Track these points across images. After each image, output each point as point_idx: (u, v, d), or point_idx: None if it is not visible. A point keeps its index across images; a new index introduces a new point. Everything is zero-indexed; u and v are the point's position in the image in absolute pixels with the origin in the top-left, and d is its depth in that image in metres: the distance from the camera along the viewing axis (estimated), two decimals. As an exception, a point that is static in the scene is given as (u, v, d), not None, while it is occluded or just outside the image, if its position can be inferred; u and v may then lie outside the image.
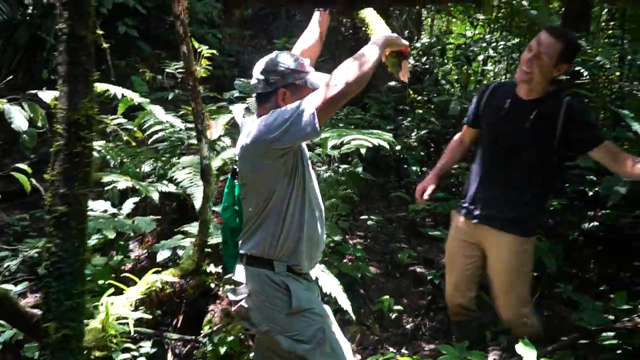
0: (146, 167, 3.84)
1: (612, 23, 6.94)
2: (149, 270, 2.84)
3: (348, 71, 1.76)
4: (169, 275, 2.81)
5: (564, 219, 4.42)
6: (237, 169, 2.06)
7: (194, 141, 4.01)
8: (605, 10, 7.29)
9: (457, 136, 2.95)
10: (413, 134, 5.89)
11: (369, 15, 2.23)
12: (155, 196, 3.37)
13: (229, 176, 2.17)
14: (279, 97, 1.91)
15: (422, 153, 5.83)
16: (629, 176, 2.35)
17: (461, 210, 2.74)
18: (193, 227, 3.21)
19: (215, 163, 3.51)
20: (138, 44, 6.29)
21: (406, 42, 2.00)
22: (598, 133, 2.45)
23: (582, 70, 4.50)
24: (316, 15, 2.36)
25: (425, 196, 2.78)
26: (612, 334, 3.04)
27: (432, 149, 6.33)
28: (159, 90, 5.64)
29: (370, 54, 1.83)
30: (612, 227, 4.52)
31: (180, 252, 3.23)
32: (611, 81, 4.66)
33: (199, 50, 2.31)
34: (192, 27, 6.87)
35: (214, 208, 3.11)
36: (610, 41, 6.21)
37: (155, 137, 4.03)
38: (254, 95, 2.12)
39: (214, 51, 2.41)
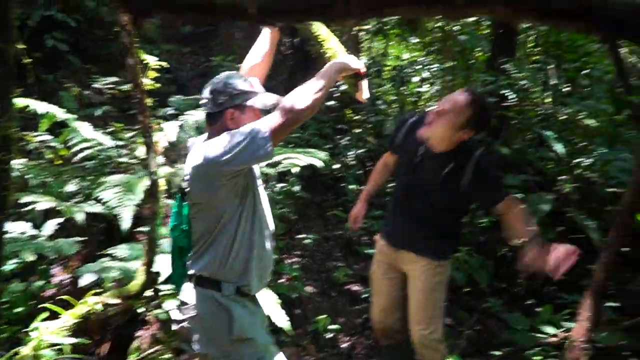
0: (72, 187, 3.65)
1: (537, 49, 7.35)
2: (73, 296, 2.69)
3: (302, 96, 1.80)
4: (112, 297, 2.67)
5: (493, 236, 4.57)
6: (187, 189, 2.02)
7: (124, 159, 3.88)
8: (532, 37, 7.72)
9: (381, 160, 2.98)
10: (351, 152, 5.96)
11: (322, 33, 2.23)
12: (80, 217, 3.21)
13: (178, 196, 2.15)
14: (227, 117, 1.92)
15: (359, 171, 5.90)
16: (515, 238, 2.35)
17: (383, 234, 2.80)
18: (120, 250, 3.08)
19: (146, 182, 3.40)
20: (67, 58, 6.05)
21: (361, 64, 2.01)
22: (498, 194, 2.44)
23: (508, 94, 4.74)
24: (264, 32, 2.33)
25: (358, 224, 2.91)
26: (538, 349, 3.17)
27: (369, 168, 6.42)
28: (89, 106, 5.43)
29: (324, 79, 1.86)
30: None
31: (109, 275, 3.08)
32: (536, 104, 4.90)
33: (145, 62, 2.22)
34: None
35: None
36: (536, 66, 6.58)
37: (82, 155, 3.86)
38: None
39: (164, 63, 2.32)
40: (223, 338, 1.93)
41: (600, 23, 1.04)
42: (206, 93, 1.97)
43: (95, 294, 2.61)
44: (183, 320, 2.01)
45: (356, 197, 5.52)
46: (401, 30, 7.54)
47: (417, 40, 7.22)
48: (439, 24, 7.33)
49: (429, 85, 6.47)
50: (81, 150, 3.82)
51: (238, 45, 8.08)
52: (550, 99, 4.67)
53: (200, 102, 2.00)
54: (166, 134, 3.62)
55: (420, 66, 6.25)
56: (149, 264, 2.80)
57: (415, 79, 6.71)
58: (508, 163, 5.37)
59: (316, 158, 3.30)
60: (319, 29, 2.27)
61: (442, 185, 2.45)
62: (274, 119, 1.79)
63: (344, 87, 2.08)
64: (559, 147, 3.88)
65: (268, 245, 2.07)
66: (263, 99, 1.98)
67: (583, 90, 6.33)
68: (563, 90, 5.04)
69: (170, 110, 4.39)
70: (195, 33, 8.57)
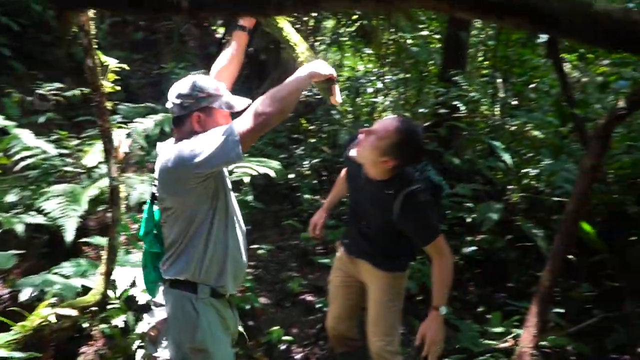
0: (12, 197, 3.47)
1: (486, 63, 7.57)
2: (14, 310, 2.54)
3: (273, 100, 1.78)
4: (67, 309, 2.52)
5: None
6: (157, 194, 2.01)
7: (69, 168, 3.72)
8: (481, 52, 7.96)
9: (343, 172, 2.97)
10: (306, 162, 5.94)
11: (293, 38, 2.23)
12: (20, 228, 3.05)
13: (148, 201, 2.12)
14: (193, 120, 1.92)
15: (314, 181, 5.89)
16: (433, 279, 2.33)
17: (342, 242, 2.80)
18: (65, 267, 2.94)
19: (92, 191, 3.27)
20: (10, 64, 5.79)
21: (332, 69, 1.98)
22: (424, 236, 2.31)
23: (459, 105, 4.85)
24: (235, 35, 2.30)
25: (317, 231, 2.86)
26: (489, 355, 3.22)
27: (324, 178, 6.43)
28: (33, 113, 5.20)
29: (296, 84, 1.86)
30: (488, 251, 4.83)
31: (51, 290, 2.92)
32: (485, 116, 5.04)
33: (105, 64, 2.12)
34: (73, 48, 6.55)
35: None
36: (485, 79, 6.77)
37: (23, 163, 3.68)
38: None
39: (125, 65, 2.22)
40: (184, 344, 1.92)
41: (537, 20, 1.06)
42: (172, 96, 1.96)
43: (51, 305, 2.46)
44: (155, 322, 1.99)
45: (311, 206, 5.55)
46: (356, 41, 7.64)
47: (372, 51, 7.32)
48: (393, 36, 7.47)
49: (383, 97, 6.55)
50: (23, 158, 3.64)
51: (190, 53, 7.97)
52: (498, 111, 4.80)
53: (167, 105, 1.98)
54: (125, 139, 3.49)
55: (375, 77, 6.32)
56: (108, 273, 2.65)
57: (370, 90, 6.79)
58: (459, 173, 5.50)
59: (269, 168, 3.25)
60: (290, 33, 2.26)
61: (376, 213, 2.41)
62: (245, 123, 1.77)
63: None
64: (507, 158, 3.99)
65: (242, 245, 2.07)
66: (230, 102, 1.97)
67: (530, 103, 6.57)
68: (511, 103, 5.18)
69: (118, 119, 4.25)
70: (146, 40, 8.38)
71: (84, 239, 3.33)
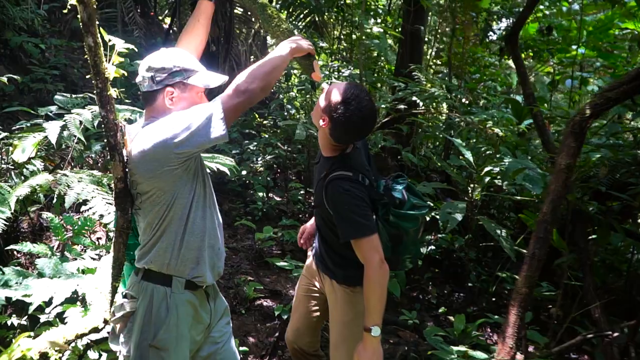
0: None
1: (438, 59, 7.52)
2: None
3: (257, 77, 1.74)
4: (60, 335, 2.10)
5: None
6: (129, 179, 1.86)
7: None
8: (433, 48, 7.91)
9: None
10: (259, 158, 5.66)
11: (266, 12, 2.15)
12: None
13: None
14: (165, 96, 1.81)
15: (268, 178, 5.62)
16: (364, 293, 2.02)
17: (312, 249, 2.53)
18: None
19: (22, 190, 2.87)
20: None
21: (311, 45, 1.96)
22: (342, 231, 2.03)
23: (418, 101, 4.70)
24: (200, 5, 2.14)
25: (302, 240, 2.57)
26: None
27: (278, 174, 6.17)
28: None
29: (279, 60, 1.82)
30: (447, 250, 4.73)
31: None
32: (442, 112, 4.91)
33: (110, 43, 1.77)
34: (8, 34, 5.97)
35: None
36: (438, 76, 6.70)
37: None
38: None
39: (131, 46, 1.89)
40: (145, 340, 1.82)
41: None
42: (142, 70, 1.83)
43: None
44: (122, 315, 1.86)
45: (265, 205, 5.29)
46: (307, 35, 7.40)
47: (325, 45, 7.10)
48: (346, 30, 7.28)
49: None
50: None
51: (136, 43, 7.50)
52: (455, 108, 4.69)
53: (137, 80, 1.84)
54: (48, 134, 3.09)
55: (328, 72, 6.09)
56: (113, 290, 2.04)
57: (325, 85, 6.57)
58: (416, 171, 5.37)
59: (223, 165, 2.96)
60: (270, 7, 2.17)
61: (315, 194, 2.17)
62: (229, 99, 1.71)
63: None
64: (469, 155, 3.86)
65: (219, 232, 1.97)
66: (206, 77, 1.86)
67: (482, 101, 6.56)
68: (467, 100, 5.09)
69: (54, 109, 3.82)
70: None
71: (13, 246, 2.93)
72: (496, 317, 3.40)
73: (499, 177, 3.76)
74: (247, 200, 5.35)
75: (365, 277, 1.97)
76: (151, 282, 1.86)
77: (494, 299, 4.39)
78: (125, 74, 1.93)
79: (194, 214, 1.84)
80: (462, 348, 3.22)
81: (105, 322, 2.11)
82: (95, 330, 2.03)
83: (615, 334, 2.60)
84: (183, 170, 1.76)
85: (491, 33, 5.92)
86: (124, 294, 1.96)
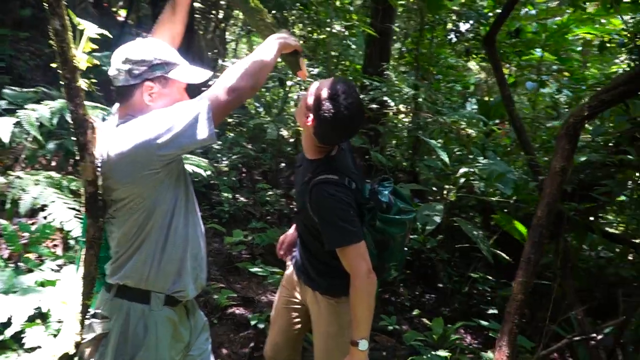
0: None
1: (404, 60, 7.48)
2: None
3: (246, 72, 1.60)
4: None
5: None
6: (101, 185, 1.67)
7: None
8: (397, 49, 7.87)
9: None
10: (225, 158, 5.42)
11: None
12: None
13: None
14: (144, 91, 1.63)
15: (234, 179, 5.39)
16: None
17: (293, 258, 2.34)
18: None
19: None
20: None
21: (298, 41, 1.85)
22: (327, 238, 1.87)
23: (389, 101, 4.60)
24: None
25: (282, 251, 2.37)
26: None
27: (244, 175, 5.94)
28: None
29: (267, 56, 1.68)
30: (417, 251, 4.66)
31: None
32: (413, 112, 4.83)
33: (80, 28, 1.52)
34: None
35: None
36: (404, 76, 6.64)
37: None
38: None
39: (104, 31, 1.65)
40: None
41: None
42: (117, 62, 1.63)
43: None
44: (92, 338, 1.65)
45: (232, 206, 5.07)
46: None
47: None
48: (308, 28, 7.11)
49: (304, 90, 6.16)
50: None
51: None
52: (428, 107, 4.62)
53: (110, 73, 1.64)
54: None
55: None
56: (84, 310, 1.78)
57: (290, 83, 6.39)
58: (384, 171, 5.27)
59: (197, 166, 2.75)
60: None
61: (298, 199, 2.02)
62: (217, 98, 1.55)
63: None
64: (444, 156, 3.79)
65: (202, 240, 1.79)
66: (189, 72, 1.69)
67: (447, 102, 6.54)
68: (435, 100, 5.04)
69: (4, 105, 3.47)
70: (36, 17, 7.34)
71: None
72: (485, 323, 3.31)
73: (473, 178, 3.69)
74: (212, 202, 5.10)
75: (352, 288, 1.83)
76: (126, 300, 1.67)
77: (462, 299, 4.35)
78: (98, 63, 1.71)
79: (176, 222, 1.67)
80: (444, 353, 3.15)
81: (78, 346, 1.87)
82: (67, 357, 1.78)
83: (600, 337, 2.56)
84: (165, 174, 1.58)
85: (455, 34, 5.89)
86: (92, 313, 1.74)
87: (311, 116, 1.87)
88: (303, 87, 5.83)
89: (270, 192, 5.27)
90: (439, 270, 4.55)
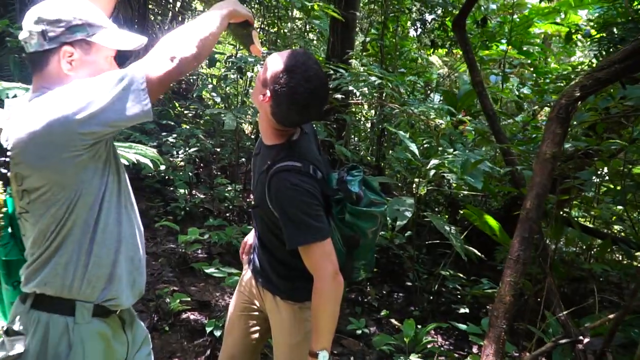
0: None
1: (366, 53, 7.23)
2: None
3: (188, 40, 1.35)
4: None
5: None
6: (10, 172, 1.39)
7: None
8: (365, 38, 7.62)
9: None
10: (180, 152, 5.02)
11: None
12: None
13: None
14: (61, 57, 1.35)
15: (190, 174, 4.99)
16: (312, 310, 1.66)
17: (249, 255, 2.05)
18: None
19: None
20: None
21: (249, 11, 1.62)
22: (289, 235, 1.62)
23: (355, 91, 4.32)
24: None
25: (245, 256, 2.09)
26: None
27: (202, 169, 5.54)
28: None
29: (213, 22, 1.44)
30: (383, 248, 4.41)
31: None
32: (378, 103, 4.57)
33: None
34: None
35: None
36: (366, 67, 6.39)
37: None
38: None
39: None
40: None
41: None
42: (29, 23, 1.35)
43: None
44: (5, 358, 1.36)
45: (188, 203, 4.68)
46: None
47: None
48: (269, 20, 6.77)
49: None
50: None
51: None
52: (395, 98, 4.36)
53: (20, 37, 1.37)
54: None
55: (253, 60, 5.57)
56: None
57: (250, 74, 6.02)
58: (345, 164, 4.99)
59: (143, 155, 2.38)
60: None
61: (258, 197, 1.74)
62: (154, 66, 1.29)
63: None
64: (414, 148, 3.53)
65: (139, 239, 1.51)
66: (118, 37, 1.41)
67: (412, 94, 6.33)
68: (402, 90, 4.79)
69: None
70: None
71: None
72: (462, 326, 3.07)
73: (443, 171, 3.45)
74: (167, 198, 4.70)
75: (315, 291, 1.60)
76: (45, 311, 1.38)
77: (432, 298, 4.12)
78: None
79: (105, 217, 1.39)
80: (416, 358, 2.90)
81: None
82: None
83: (587, 340, 2.34)
84: (90, 157, 1.30)
85: (419, 25, 5.68)
86: (4, 328, 1.46)
87: (267, 93, 1.60)
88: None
89: (229, 188, 4.90)
90: (406, 268, 4.31)
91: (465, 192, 3.76)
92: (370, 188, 1.84)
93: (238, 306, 2.03)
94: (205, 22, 1.43)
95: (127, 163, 2.19)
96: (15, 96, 2.70)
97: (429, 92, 7.27)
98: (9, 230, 1.51)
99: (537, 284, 3.07)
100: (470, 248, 3.45)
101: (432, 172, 3.58)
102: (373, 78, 4.03)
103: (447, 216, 4.39)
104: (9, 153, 1.34)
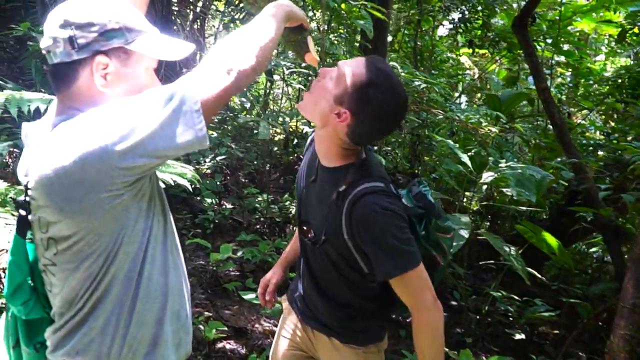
0: None
1: (396, 53, 6.88)
2: None
3: (245, 50, 1.09)
4: None
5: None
6: (32, 215, 1.10)
7: None
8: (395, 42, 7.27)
9: None
10: (207, 159, 4.73)
11: None
12: None
13: (16, 233, 1.15)
14: (95, 70, 1.07)
15: (218, 182, 4.70)
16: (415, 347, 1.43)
17: (289, 293, 1.78)
18: None
19: None
20: None
21: (304, 13, 1.37)
22: (381, 265, 1.37)
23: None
24: None
25: (268, 296, 1.80)
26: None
27: (229, 177, 5.25)
28: None
29: (270, 27, 1.18)
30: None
31: None
32: (422, 108, 4.22)
33: None
34: None
35: None
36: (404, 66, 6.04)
37: None
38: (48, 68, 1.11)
39: None
40: None
41: None
42: (53, 27, 1.06)
43: None
44: None
45: (217, 214, 4.39)
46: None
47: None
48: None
49: (297, 83, 5.50)
50: None
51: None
52: (438, 103, 4.02)
53: (42, 45, 1.08)
54: None
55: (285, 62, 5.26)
56: None
57: (276, 77, 5.71)
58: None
59: (180, 176, 2.08)
60: None
61: (322, 225, 1.48)
62: (209, 82, 1.03)
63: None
64: (466, 159, 3.19)
65: (185, 288, 1.25)
66: (161, 44, 1.13)
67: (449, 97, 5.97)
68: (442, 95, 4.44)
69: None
70: (2, 9, 6.54)
71: None
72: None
73: (501, 185, 3.10)
74: (194, 209, 4.41)
75: (418, 326, 1.38)
76: None
77: (478, 317, 3.78)
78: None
79: (150, 267, 1.12)
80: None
81: None
82: None
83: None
84: (132, 196, 1.04)
85: (458, 23, 5.31)
86: None
87: (346, 112, 1.34)
88: (298, 78, 5.17)
89: (259, 198, 4.60)
90: (450, 285, 3.98)
91: (518, 207, 3.39)
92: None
93: (283, 355, 1.75)
94: (261, 27, 1.18)
95: (163, 185, 1.89)
96: (36, 109, 2.43)
97: (461, 93, 6.94)
98: (30, 282, 1.21)
99: None
100: (532, 270, 3.10)
101: (485, 185, 3.24)
102: (417, 82, 3.69)
103: (502, 232, 4.03)
104: (29, 192, 1.08)
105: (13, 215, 2.13)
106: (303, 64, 4.98)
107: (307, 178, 1.59)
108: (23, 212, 1.12)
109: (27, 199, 1.10)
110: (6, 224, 2.07)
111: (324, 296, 1.58)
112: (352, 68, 1.35)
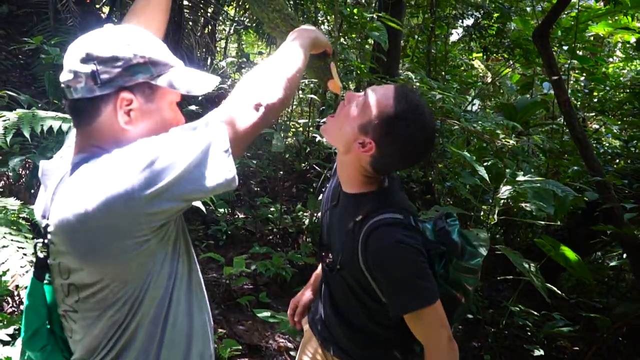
0: None
1: (408, 59, 6.79)
2: None
3: (273, 82, 1.06)
4: None
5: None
6: (51, 259, 1.05)
7: None
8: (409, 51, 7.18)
9: None
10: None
11: None
12: None
13: (33, 276, 1.09)
14: (119, 107, 1.01)
15: (232, 192, 4.65)
16: None
17: (309, 316, 1.73)
18: None
19: None
20: None
21: (328, 39, 1.36)
22: (395, 299, 1.32)
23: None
24: None
25: (297, 317, 1.76)
26: None
27: (241, 186, 5.20)
28: None
29: (296, 56, 1.15)
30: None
31: None
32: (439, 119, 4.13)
33: None
34: None
35: None
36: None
37: None
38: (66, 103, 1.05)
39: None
40: None
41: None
42: (73, 61, 1.01)
43: None
44: None
45: (230, 225, 4.34)
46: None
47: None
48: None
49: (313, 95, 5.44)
50: None
51: (69, 33, 6.29)
52: (453, 113, 3.93)
53: (62, 79, 1.02)
54: None
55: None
56: None
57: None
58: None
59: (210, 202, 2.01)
60: None
61: (340, 252, 1.42)
62: (237, 118, 0.99)
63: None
64: (483, 172, 3.10)
65: (210, 329, 1.20)
66: (186, 77, 1.06)
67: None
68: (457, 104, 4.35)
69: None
70: (14, 15, 6.56)
71: None
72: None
73: (520, 200, 3.02)
74: (207, 220, 4.36)
75: None
76: None
77: (493, 330, 3.69)
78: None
79: (175, 311, 1.08)
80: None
81: None
82: None
83: None
84: (158, 241, 0.99)
85: (457, 31, 5.21)
86: None
87: (371, 142, 1.31)
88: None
89: (272, 208, 4.53)
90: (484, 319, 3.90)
91: (537, 222, 3.30)
92: (464, 238, 1.51)
93: None
94: (288, 57, 1.15)
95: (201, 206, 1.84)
96: (49, 129, 2.38)
97: (473, 99, 6.82)
98: (47, 325, 1.15)
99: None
100: (551, 286, 3.01)
101: (503, 200, 3.15)
102: (432, 92, 3.60)
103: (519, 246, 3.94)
104: (49, 236, 1.01)
105: (26, 238, 2.08)
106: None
107: (330, 202, 1.55)
108: (41, 255, 1.07)
109: (46, 241, 1.04)
110: (18, 248, 2.02)
111: (344, 321, 1.54)
112: (379, 97, 1.31)
